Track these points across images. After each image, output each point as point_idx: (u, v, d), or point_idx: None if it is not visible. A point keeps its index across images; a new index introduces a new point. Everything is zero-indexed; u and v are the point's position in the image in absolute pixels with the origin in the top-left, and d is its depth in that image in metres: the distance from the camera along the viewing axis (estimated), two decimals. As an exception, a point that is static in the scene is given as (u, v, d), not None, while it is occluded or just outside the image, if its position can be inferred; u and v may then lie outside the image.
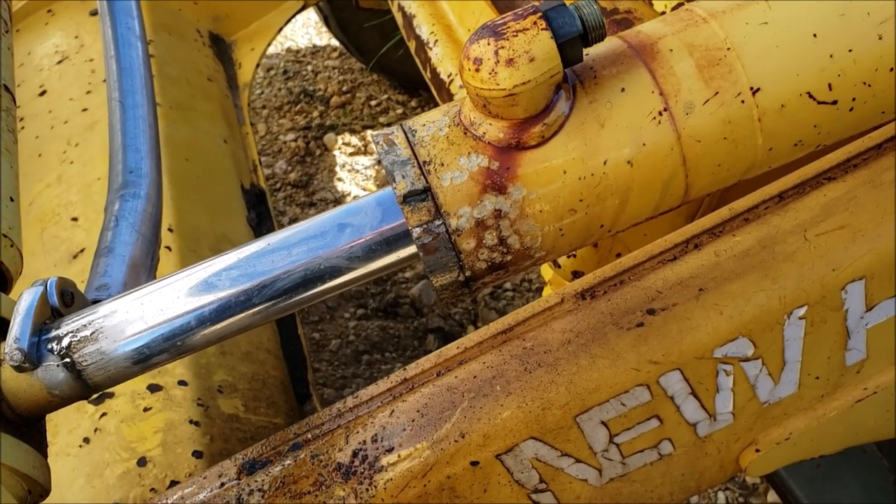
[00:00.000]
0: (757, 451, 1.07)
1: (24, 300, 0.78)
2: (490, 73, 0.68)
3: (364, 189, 3.11)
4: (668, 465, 1.03)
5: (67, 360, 0.77)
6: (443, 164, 0.72)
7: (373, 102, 3.44)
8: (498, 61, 0.67)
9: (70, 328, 0.78)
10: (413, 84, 3.40)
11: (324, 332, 2.60)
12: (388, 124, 3.36)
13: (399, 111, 3.40)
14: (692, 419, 0.99)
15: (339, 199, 3.06)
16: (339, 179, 3.13)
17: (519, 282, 2.78)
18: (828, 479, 1.57)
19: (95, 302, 0.88)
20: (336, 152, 3.25)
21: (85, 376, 0.77)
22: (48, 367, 0.77)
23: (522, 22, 0.67)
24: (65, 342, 0.77)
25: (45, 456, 0.79)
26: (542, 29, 0.67)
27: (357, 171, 3.17)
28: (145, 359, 0.78)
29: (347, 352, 2.54)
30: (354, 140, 3.29)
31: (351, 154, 3.25)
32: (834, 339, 0.99)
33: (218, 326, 0.77)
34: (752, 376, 0.98)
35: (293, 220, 2.97)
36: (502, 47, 0.67)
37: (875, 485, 1.56)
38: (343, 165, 3.19)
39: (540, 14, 0.67)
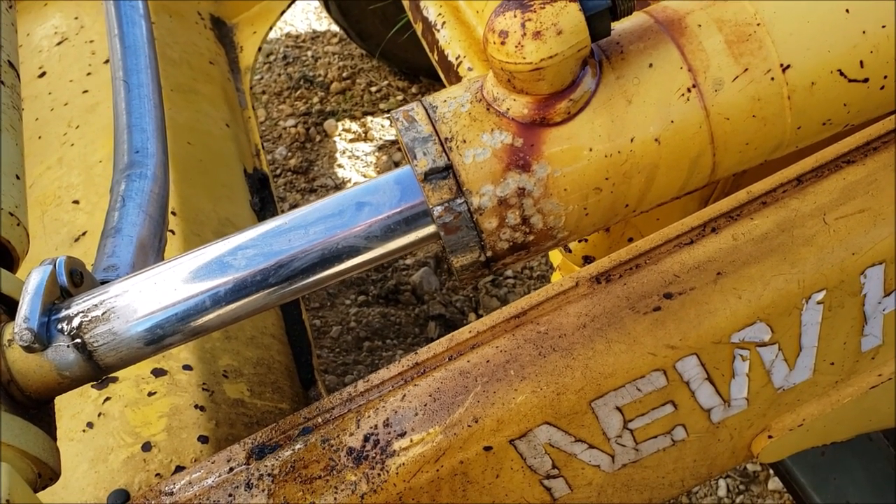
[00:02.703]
0: (770, 437, 1.06)
1: (33, 279, 0.76)
2: (516, 47, 0.66)
3: (364, 175, 3.09)
4: (681, 451, 1.03)
5: (78, 340, 0.75)
6: (465, 141, 0.71)
7: (373, 88, 3.41)
8: (525, 34, 0.66)
9: (81, 308, 0.76)
10: (414, 70, 3.38)
11: (325, 319, 2.59)
12: (389, 110, 3.34)
13: (399, 97, 3.37)
14: (707, 405, 0.98)
15: (339, 186, 3.04)
16: (340, 166, 3.11)
17: (520, 269, 2.76)
18: (832, 466, 1.56)
19: (104, 282, 0.86)
20: (336, 138, 3.23)
21: (96, 357, 0.76)
22: (58, 347, 0.75)
23: (550, -6, 0.66)
24: (75, 322, 0.75)
25: (55, 439, 0.77)
26: (570, 1, 0.65)
27: (357, 158, 3.15)
28: (158, 339, 0.76)
29: (348, 338, 2.53)
30: (355, 126, 3.27)
31: (351, 140, 3.22)
32: (851, 324, 0.98)
33: (233, 306, 0.76)
34: (768, 361, 0.97)
35: (293, 207, 2.94)
36: (529, 20, 0.66)
37: (880, 473, 1.55)
38: (343, 152, 3.17)
39: (568, -14, 0.65)
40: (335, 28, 3.63)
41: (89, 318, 0.75)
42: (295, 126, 3.25)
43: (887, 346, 1.03)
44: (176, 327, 0.76)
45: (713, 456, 1.06)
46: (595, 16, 0.65)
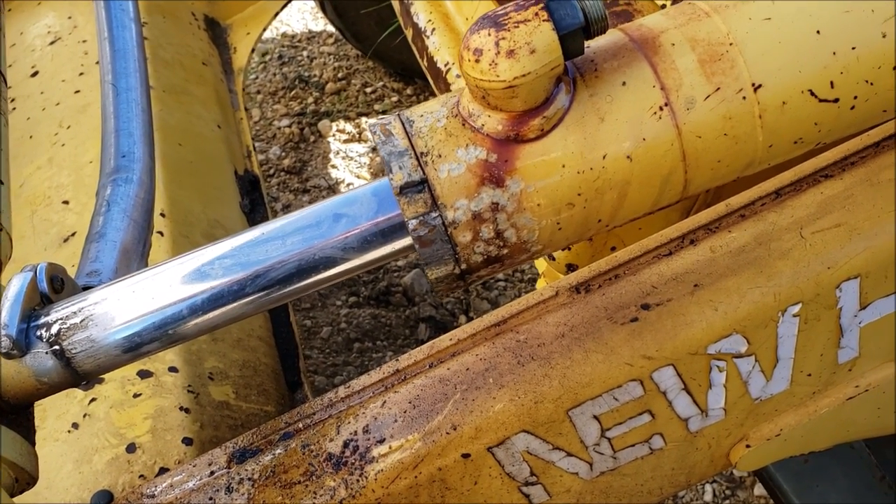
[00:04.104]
0: (747, 446, 1.07)
1: (13, 286, 0.77)
2: (490, 65, 0.67)
3: (358, 177, 3.09)
4: (659, 459, 1.03)
5: (56, 347, 0.76)
6: (440, 156, 0.71)
7: (368, 89, 3.41)
8: (498, 52, 0.66)
9: (59, 315, 0.77)
10: (409, 72, 3.38)
11: (315, 320, 2.59)
12: (384, 112, 3.34)
13: (394, 98, 3.38)
14: (684, 414, 0.99)
15: (332, 186, 3.04)
16: (333, 166, 3.12)
17: (511, 272, 2.77)
18: (815, 474, 1.57)
19: (86, 288, 0.86)
20: (330, 139, 3.23)
21: (74, 364, 0.76)
22: (37, 354, 0.76)
23: (524, 13, 0.66)
24: (54, 329, 0.76)
25: (33, 444, 0.78)
26: (543, 20, 0.66)
27: (351, 159, 3.16)
28: (136, 347, 0.77)
29: (339, 339, 2.54)
30: (349, 127, 3.28)
31: (345, 141, 3.23)
32: (827, 336, 0.99)
33: (210, 315, 0.76)
34: (745, 373, 0.98)
35: (286, 207, 2.95)
36: (503, 38, 0.66)
37: (862, 481, 1.56)
38: (337, 152, 3.18)
39: (542, 5, 0.66)
40: (331, 28, 3.63)
41: (68, 325, 0.76)
42: (289, 126, 3.25)
43: (864, 357, 1.04)
44: (153, 335, 0.77)
45: (691, 464, 1.07)
46: (568, 35, 0.66)
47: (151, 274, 0.79)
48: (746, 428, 1.05)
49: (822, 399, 1.06)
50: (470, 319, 2.62)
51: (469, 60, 0.68)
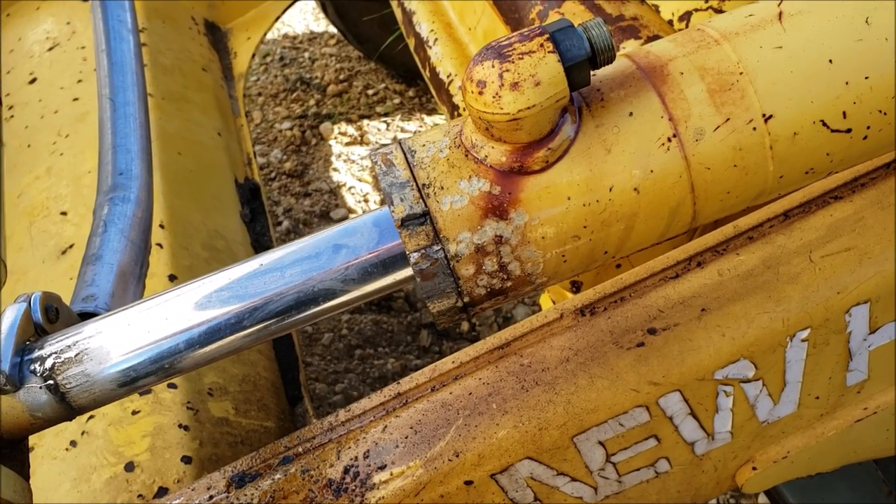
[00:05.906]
0: (754, 468, 1.06)
1: (7, 318, 0.75)
2: (494, 97, 0.65)
3: (360, 180, 3.07)
4: (665, 482, 1.02)
5: (51, 381, 0.74)
6: (442, 188, 0.70)
7: (370, 91, 3.39)
8: (502, 85, 0.64)
9: (54, 349, 0.76)
10: (411, 74, 3.36)
11: (316, 326, 2.58)
12: (386, 114, 3.32)
13: (396, 101, 3.36)
14: (690, 438, 0.98)
15: (333, 190, 3.02)
16: (335, 169, 3.10)
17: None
18: (821, 488, 1.56)
19: (82, 314, 0.85)
20: (332, 142, 3.21)
21: (69, 399, 0.75)
22: (30, 388, 0.74)
23: (529, 44, 0.64)
24: (48, 363, 0.74)
25: (27, 478, 0.76)
26: (549, 52, 0.64)
27: (353, 162, 3.14)
28: (132, 381, 0.75)
29: (340, 346, 2.52)
30: (351, 130, 3.26)
31: (347, 144, 3.21)
32: (836, 360, 0.97)
33: (207, 349, 0.75)
34: (752, 397, 0.97)
35: (287, 211, 2.93)
36: (507, 70, 0.64)
37: (868, 495, 1.55)
38: (339, 155, 3.16)
39: (547, 36, 0.64)
40: (333, 30, 3.61)
41: (62, 359, 0.75)
42: (290, 129, 3.23)
43: (873, 380, 1.02)
44: (150, 369, 0.75)
45: (697, 486, 1.06)
46: (574, 66, 0.64)
47: (147, 306, 0.77)
48: (753, 450, 1.04)
49: (830, 421, 1.05)
50: (473, 325, 2.60)
51: (472, 92, 0.66)
